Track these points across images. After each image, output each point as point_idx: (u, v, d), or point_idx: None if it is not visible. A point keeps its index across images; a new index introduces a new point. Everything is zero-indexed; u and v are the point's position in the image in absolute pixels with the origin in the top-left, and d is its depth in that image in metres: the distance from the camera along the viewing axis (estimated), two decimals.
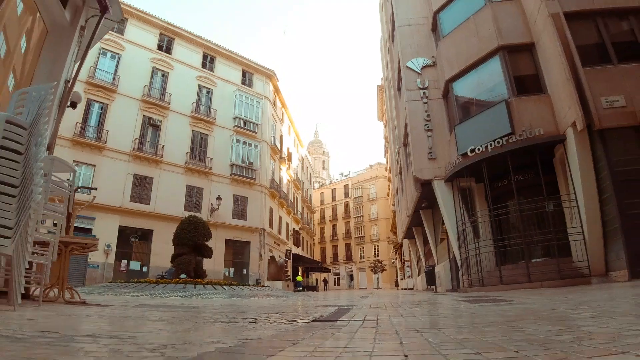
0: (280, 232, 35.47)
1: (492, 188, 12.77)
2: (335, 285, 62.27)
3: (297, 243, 42.23)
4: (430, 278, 15.04)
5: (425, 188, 14.50)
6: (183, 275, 13.43)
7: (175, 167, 26.80)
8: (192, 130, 28.54)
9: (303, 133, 55.41)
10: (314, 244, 61.71)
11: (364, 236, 61.59)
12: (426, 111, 14.86)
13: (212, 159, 28.58)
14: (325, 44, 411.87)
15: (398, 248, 36.42)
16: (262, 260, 28.11)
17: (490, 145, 11.85)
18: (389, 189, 46.97)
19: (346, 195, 66.19)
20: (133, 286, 11.40)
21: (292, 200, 41.52)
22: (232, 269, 27.84)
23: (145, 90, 26.66)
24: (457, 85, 13.91)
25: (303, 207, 48.97)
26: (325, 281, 50.41)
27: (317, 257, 58.17)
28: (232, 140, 30.30)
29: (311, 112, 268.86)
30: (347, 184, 66.58)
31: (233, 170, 29.47)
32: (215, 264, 26.44)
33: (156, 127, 27.00)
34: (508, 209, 12.25)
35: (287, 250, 37.57)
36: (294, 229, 41.71)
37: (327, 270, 52.30)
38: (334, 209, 67.25)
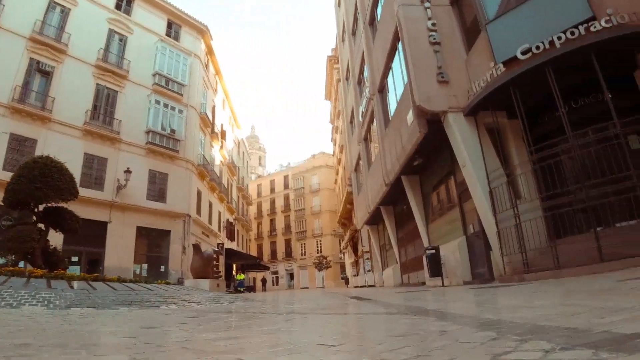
0: (210, 222, 29.38)
1: (533, 124, 8.32)
2: (273, 285, 56.59)
3: (231, 236, 36.20)
4: (435, 266, 10.31)
5: (432, 127, 9.74)
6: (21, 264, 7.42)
7: (70, 128, 19.96)
8: (97, 84, 21.75)
9: (240, 116, 49.30)
10: (250, 239, 55.64)
11: (306, 231, 56.59)
12: (430, 19, 10.13)
13: (121, 121, 21.96)
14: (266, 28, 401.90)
15: (350, 239, 31.83)
16: (186, 255, 22.07)
17: (559, 39, 7.31)
18: (336, 177, 42.38)
19: (286, 186, 60.79)
20: None
21: (226, 187, 35.47)
22: (145, 266, 21.49)
23: (37, 26, 19.58)
24: None
25: (239, 197, 42.92)
26: (264, 281, 44.70)
27: (254, 254, 52.11)
28: (150, 101, 23.85)
29: (249, 101, 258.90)
30: (287, 175, 61.20)
31: (149, 138, 23.04)
32: (120, 259, 20.14)
33: (46, 75, 19.96)
34: (563, 149, 7.73)
35: (219, 244, 31.46)
36: (227, 219, 35.64)
37: (266, 268, 46.61)
38: (273, 202, 61.55)
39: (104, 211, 20.28)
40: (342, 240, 47.01)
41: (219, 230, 32.39)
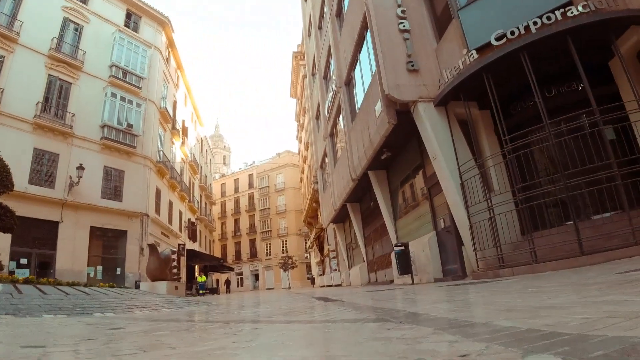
0: (170, 222, 28.03)
1: (505, 115, 8.02)
2: (238, 286, 55.25)
3: (193, 237, 34.82)
4: (404, 263, 9.88)
5: (401, 118, 9.29)
6: None
7: (19, 121, 18.29)
8: (49, 75, 20.10)
9: (204, 114, 47.56)
10: (213, 240, 54.07)
11: (271, 230, 55.55)
12: (399, 6, 9.68)
13: (74, 115, 20.42)
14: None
15: (316, 238, 31.28)
16: (144, 256, 20.77)
17: (535, 24, 7.00)
18: (302, 175, 41.75)
19: (251, 186, 59.48)
20: None
21: (188, 185, 34.07)
22: (99, 268, 20.04)
23: None
24: None
25: (201, 196, 41.46)
26: (227, 282, 43.41)
27: (218, 255, 50.55)
28: (106, 94, 22.36)
29: (214, 99, 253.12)
30: (252, 174, 59.90)
31: (105, 133, 21.58)
32: (73, 261, 18.76)
33: None
34: (539, 137, 7.42)
35: (180, 244, 30.14)
36: (189, 219, 34.26)
37: (230, 269, 45.31)
38: (237, 202, 60.09)
39: (55, 210, 18.77)
40: (308, 240, 46.49)
41: (180, 230, 31.03)
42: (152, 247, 14.03)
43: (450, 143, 8.53)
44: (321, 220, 24.00)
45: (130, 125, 22.81)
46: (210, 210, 48.14)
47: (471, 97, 8.53)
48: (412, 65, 9.08)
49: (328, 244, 24.07)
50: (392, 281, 12.79)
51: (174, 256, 15.90)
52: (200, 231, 40.04)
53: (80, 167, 19.26)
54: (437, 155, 8.55)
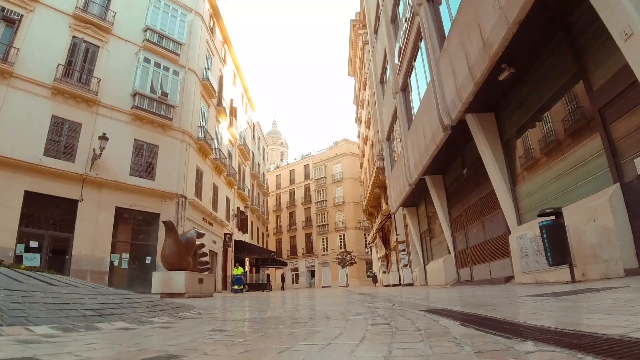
0: (215, 208, 25.08)
1: None
2: (293, 283, 52.10)
3: (242, 227, 31.87)
4: (558, 245, 5.51)
5: None
6: None
7: (35, 85, 15.95)
8: (73, 37, 17.66)
9: (257, 99, 44.59)
10: (268, 234, 51.42)
11: (328, 224, 51.77)
12: None
13: (101, 80, 17.83)
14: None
15: (379, 229, 26.92)
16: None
17: None
18: (362, 160, 37.53)
19: (306, 177, 56.09)
20: None
21: (237, 171, 31.15)
22: (126, 256, 17.28)
23: None
24: None
25: (253, 185, 38.60)
26: (282, 278, 40.40)
27: (272, 250, 47.65)
28: (139, 59, 19.69)
29: (266, 89, 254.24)
30: (308, 164, 56.45)
31: (136, 102, 18.88)
32: (93, 247, 16.09)
33: (12, 24, 16.06)
34: None
35: (226, 234, 27.24)
36: (238, 208, 31.32)
37: (283, 264, 42.25)
38: (292, 194, 56.99)
39: (75, 187, 16.22)
40: (369, 234, 42.22)
41: (228, 219, 28.11)
42: (168, 226, 10.61)
43: None
44: (388, 204, 19.69)
45: (165, 94, 19.93)
46: (264, 201, 45.34)
47: None
48: None
49: (397, 234, 19.69)
50: (509, 279, 8.34)
51: (202, 242, 12.43)
52: (252, 222, 37.19)
53: (104, 137, 16.55)
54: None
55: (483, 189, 9.89)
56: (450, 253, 12.77)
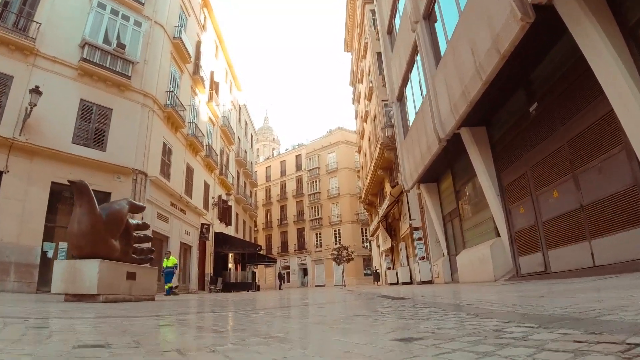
0: (189, 193, 21.16)
1: None
2: (284, 282, 48.12)
3: (225, 219, 27.92)
4: None
5: None
6: None
7: None
8: None
9: (244, 81, 40.32)
10: (257, 229, 47.44)
11: (322, 218, 47.82)
12: None
13: (40, 25, 13.87)
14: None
15: (383, 217, 23.01)
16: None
17: None
18: (362, 142, 33.70)
19: (298, 168, 52.10)
20: None
21: (218, 154, 27.21)
22: (64, 246, 13.30)
23: None
24: None
25: (239, 173, 34.64)
26: (280, 277, 36.83)
27: (263, 247, 43.58)
28: (92, 4, 15.77)
29: (258, 84, 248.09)
30: (300, 154, 52.43)
31: (85, 53, 14.96)
32: (20, 233, 12.22)
33: None
34: None
35: (203, 224, 23.30)
36: (219, 196, 27.36)
37: (272, 261, 38.41)
38: (283, 186, 52.95)
39: None
40: (367, 228, 38.53)
41: (206, 207, 24.17)
42: (80, 188, 6.79)
43: None
44: (399, 183, 15.89)
45: (122, 46, 15.97)
46: (251, 192, 41.37)
47: None
48: None
49: (411, 219, 15.88)
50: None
51: (138, 219, 8.53)
52: (237, 214, 33.23)
53: (36, 91, 12.68)
54: None
55: (577, 123, 6.12)
56: (499, 236, 9.03)
